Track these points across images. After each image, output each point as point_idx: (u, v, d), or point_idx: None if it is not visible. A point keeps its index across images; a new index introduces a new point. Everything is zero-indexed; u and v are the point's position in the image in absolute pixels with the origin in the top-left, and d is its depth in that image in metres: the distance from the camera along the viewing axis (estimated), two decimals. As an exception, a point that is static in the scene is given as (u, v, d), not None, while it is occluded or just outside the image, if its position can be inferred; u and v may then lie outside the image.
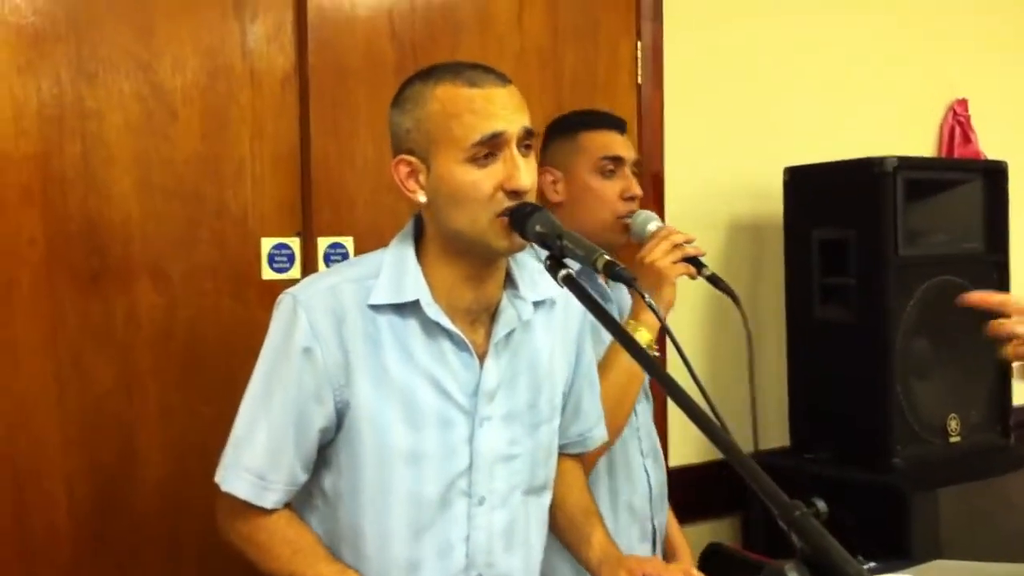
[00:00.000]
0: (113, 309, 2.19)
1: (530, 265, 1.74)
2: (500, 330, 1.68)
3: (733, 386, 2.58)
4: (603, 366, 1.99)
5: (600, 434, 1.93)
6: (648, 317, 2.04)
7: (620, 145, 2.19)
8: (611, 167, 2.17)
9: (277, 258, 2.35)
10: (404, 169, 1.63)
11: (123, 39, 2.19)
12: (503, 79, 1.62)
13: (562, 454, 1.86)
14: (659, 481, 2.29)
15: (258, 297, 2.30)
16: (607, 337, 2.03)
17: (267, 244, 2.35)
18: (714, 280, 2.07)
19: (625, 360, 1.96)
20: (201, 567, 2.29)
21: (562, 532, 1.88)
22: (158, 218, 2.23)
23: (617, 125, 2.22)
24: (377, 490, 1.62)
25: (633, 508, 2.22)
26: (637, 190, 2.18)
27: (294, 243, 2.38)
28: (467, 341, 1.64)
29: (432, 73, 1.62)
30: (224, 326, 2.29)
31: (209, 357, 2.27)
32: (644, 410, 2.27)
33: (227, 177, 2.30)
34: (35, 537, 2.13)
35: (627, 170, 2.19)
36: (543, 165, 2.21)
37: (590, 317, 1.63)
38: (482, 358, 1.67)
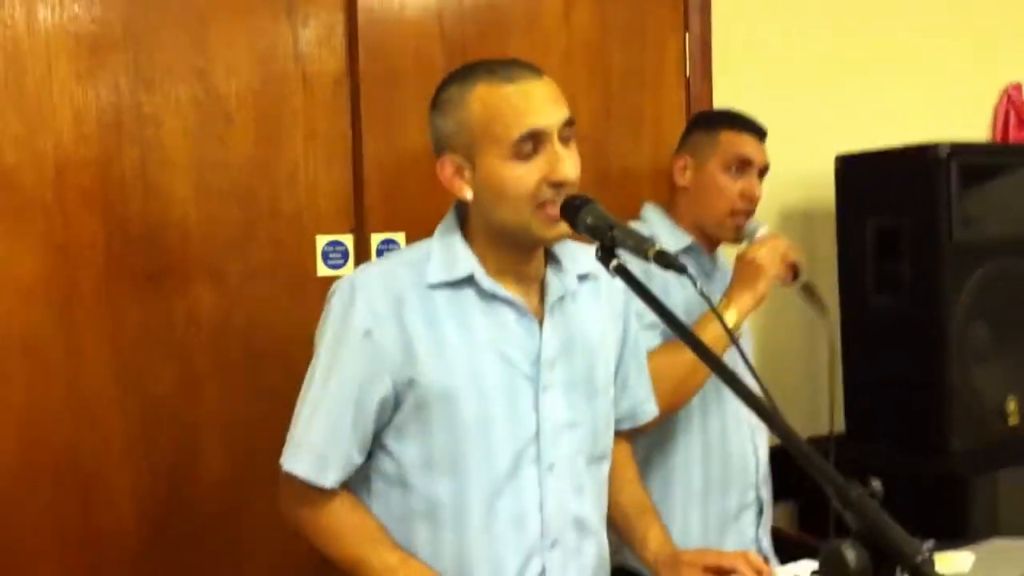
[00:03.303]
0: (172, 310, 2.24)
1: (570, 243, 1.77)
2: (552, 295, 1.71)
3: (788, 373, 2.58)
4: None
5: (651, 409, 1.96)
6: (743, 302, 2.14)
7: (753, 149, 2.31)
8: (739, 167, 2.29)
9: (331, 255, 2.39)
10: (450, 169, 1.67)
11: (179, 46, 2.24)
12: (537, 72, 1.66)
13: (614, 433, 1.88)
14: (766, 453, 2.38)
15: (314, 294, 2.32)
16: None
17: (321, 242, 2.39)
18: (808, 290, 2.20)
19: (708, 337, 1.98)
20: (263, 566, 2.33)
21: (617, 528, 1.91)
22: (215, 220, 2.28)
23: (757, 131, 2.33)
24: (449, 463, 1.64)
25: (730, 477, 2.30)
26: (757, 192, 2.30)
27: (348, 240, 2.41)
28: (526, 306, 1.68)
29: (468, 74, 1.66)
30: (281, 324, 2.33)
31: (267, 356, 2.32)
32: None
33: (281, 178, 2.34)
34: (100, 536, 2.19)
35: (754, 172, 2.30)
36: (679, 153, 2.37)
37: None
38: (539, 325, 1.70)
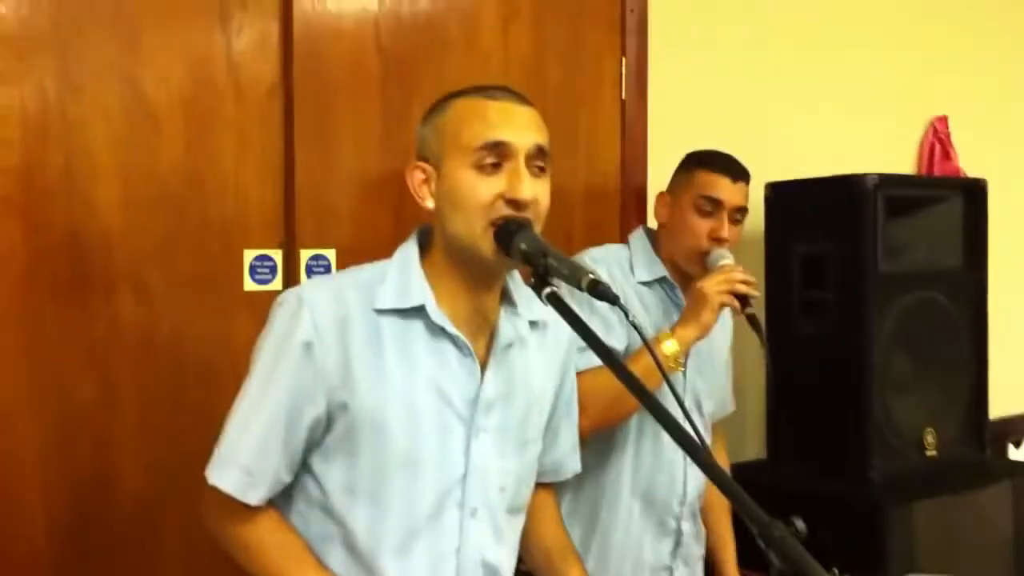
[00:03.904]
0: (94, 321, 2.19)
1: (527, 289, 1.75)
2: (501, 341, 1.70)
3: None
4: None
5: (573, 465, 1.95)
6: (686, 332, 2.18)
7: (724, 189, 2.32)
8: (708, 207, 2.31)
9: (259, 269, 2.35)
10: (418, 175, 1.67)
11: (108, 50, 2.19)
12: (524, 100, 1.66)
13: (536, 483, 1.85)
14: (697, 488, 2.39)
15: (240, 309, 2.30)
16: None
17: (249, 255, 2.35)
18: (752, 321, 2.25)
19: (645, 364, 2.02)
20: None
21: (538, 569, 1.90)
22: (141, 229, 2.22)
23: (732, 172, 2.35)
24: (371, 492, 1.62)
25: (653, 499, 2.32)
26: (724, 234, 2.31)
27: (276, 255, 2.37)
28: (470, 347, 1.66)
29: (462, 90, 1.67)
30: (205, 338, 2.28)
31: (190, 370, 2.27)
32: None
33: (210, 188, 2.30)
34: (12, 550, 2.12)
35: (724, 214, 2.32)
36: (665, 191, 2.42)
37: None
38: (483, 368, 1.68)
